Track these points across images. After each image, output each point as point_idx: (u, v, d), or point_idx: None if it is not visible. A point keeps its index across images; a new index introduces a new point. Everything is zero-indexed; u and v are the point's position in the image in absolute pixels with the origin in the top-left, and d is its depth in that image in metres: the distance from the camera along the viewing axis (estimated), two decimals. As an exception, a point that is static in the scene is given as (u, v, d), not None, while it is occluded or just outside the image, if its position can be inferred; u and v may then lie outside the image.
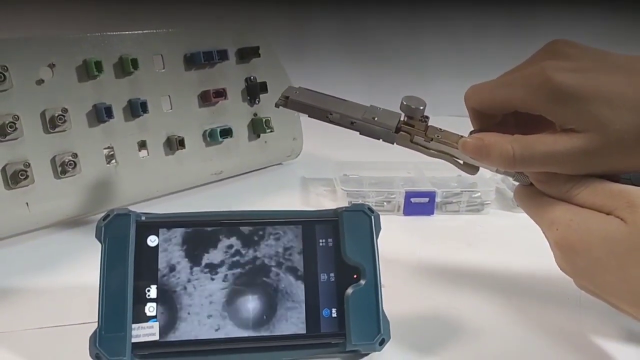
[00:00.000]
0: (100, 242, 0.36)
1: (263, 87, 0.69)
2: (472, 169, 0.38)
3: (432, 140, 0.38)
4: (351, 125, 0.39)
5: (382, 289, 0.38)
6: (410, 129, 0.38)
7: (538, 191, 0.37)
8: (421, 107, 0.38)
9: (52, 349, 0.38)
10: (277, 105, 0.40)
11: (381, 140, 0.39)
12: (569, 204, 0.35)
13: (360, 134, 0.39)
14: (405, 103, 0.38)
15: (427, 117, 0.38)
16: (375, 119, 0.38)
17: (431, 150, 0.38)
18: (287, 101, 0.39)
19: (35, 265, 0.49)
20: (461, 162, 0.38)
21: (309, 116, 0.40)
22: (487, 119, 0.38)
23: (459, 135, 0.38)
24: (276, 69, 0.71)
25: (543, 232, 0.37)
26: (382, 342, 0.37)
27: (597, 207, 0.33)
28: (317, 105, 0.39)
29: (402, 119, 0.39)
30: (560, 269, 0.35)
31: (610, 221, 0.32)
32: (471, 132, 0.38)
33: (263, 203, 0.64)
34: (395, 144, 0.39)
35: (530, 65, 0.35)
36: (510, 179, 0.38)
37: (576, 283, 0.36)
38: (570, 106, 0.32)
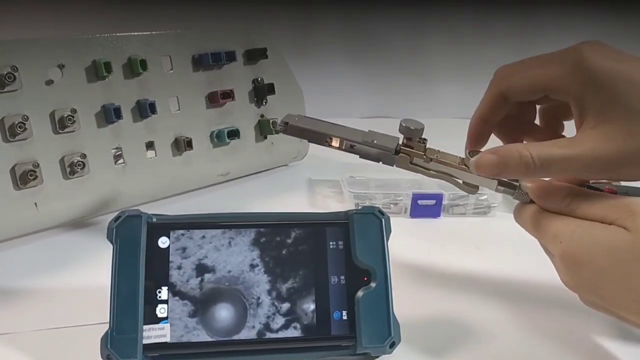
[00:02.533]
0: (112, 243, 0.36)
1: (270, 89, 0.69)
2: (472, 188, 0.39)
3: (431, 160, 0.38)
4: (351, 148, 0.39)
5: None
6: (409, 150, 0.39)
7: (538, 208, 0.36)
8: (420, 128, 0.38)
9: (62, 350, 0.38)
10: (276, 132, 0.40)
11: (381, 162, 0.39)
12: (571, 217, 0.35)
13: (359, 157, 0.39)
14: (404, 125, 0.38)
15: (425, 139, 0.39)
16: (375, 142, 0.39)
17: (431, 171, 0.39)
18: (286, 127, 0.39)
19: (44, 265, 0.49)
20: (460, 181, 0.39)
21: (308, 141, 0.40)
22: (500, 108, 0.38)
23: (456, 156, 0.39)
24: (283, 70, 0.71)
25: (546, 250, 0.37)
26: (393, 345, 0.37)
27: (598, 219, 0.33)
28: (317, 129, 0.39)
29: (400, 142, 0.39)
30: (565, 285, 0.35)
31: (613, 231, 0.32)
32: (469, 152, 0.38)
33: (269, 204, 0.64)
34: (395, 166, 0.39)
35: (567, 49, 0.35)
36: (510, 197, 0.38)
37: (582, 299, 0.35)
38: (602, 90, 0.32)
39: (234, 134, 0.65)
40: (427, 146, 0.39)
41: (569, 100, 0.34)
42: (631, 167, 0.33)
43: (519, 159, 0.34)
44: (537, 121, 0.42)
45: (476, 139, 0.40)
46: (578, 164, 0.33)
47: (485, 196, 0.63)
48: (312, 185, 0.70)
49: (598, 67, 0.32)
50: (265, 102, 0.69)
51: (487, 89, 0.39)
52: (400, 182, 0.66)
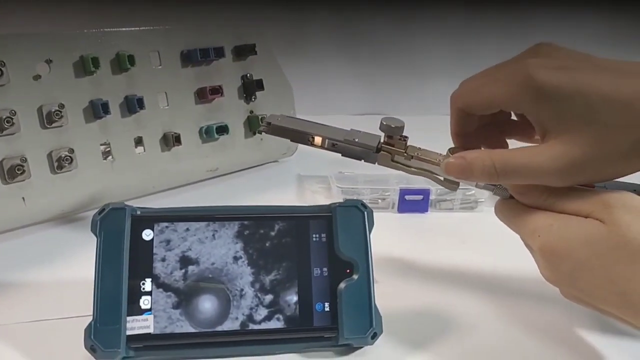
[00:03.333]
0: (96, 235, 0.36)
1: (259, 85, 0.69)
2: (453, 185, 0.39)
3: (412, 158, 0.39)
4: (333, 147, 0.39)
5: (375, 284, 0.38)
6: (390, 148, 0.39)
7: (518, 203, 0.37)
8: (400, 126, 0.38)
9: (47, 341, 0.39)
10: (259, 132, 0.41)
11: (363, 160, 0.40)
12: (549, 212, 0.35)
13: (342, 155, 0.40)
14: (385, 123, 0.38)
15: (406, 137, 0.39)
16: (356, 140, 0.39)
17: (412, 168, 0.39)
18: (269, 127, 0.40)
19: (31, 259, 0.49)
20: (442, 178, 0.39)
21: (291, 140, 0.40)
22: (469, 122, 0.39)
23: (437, 153, 0.39)
24: (272, 66, 0.72)
25: (526, 244, 0.37)
26: (375, 336, 0.38)
27: (575, 212, 0.34)
28: (299, 129, 0.39)
29: (381, 140, 0.39)
30: (545, 279, 0.36)
31: (589, 223, 0.33)
32: (449, 150, 0.39)
33: (258, 200, 0.64)
34: (376, 164, 0.40)
35: (514, 63, 0.35)
36: (491, 192, 0.39)
37: (562, 292, 0.36)
38: (552, 105, 0.33)
39: (223, 129, 0.65)
40: (409, 144, 0.39)
41: (526, 115, 0.35)
42: (594, 171, 0.33)
43: (482, 167, 0.35)
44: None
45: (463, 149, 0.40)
46: (539, 172, 0.33)
47: (473, 191, 0.63)
48: (301, 181, 0.70)
49: (545, 83, 0.32)
50: (255, 98, 0.69)
51: (450, 107, 0.39)
52: (388, 177, 0.66)
